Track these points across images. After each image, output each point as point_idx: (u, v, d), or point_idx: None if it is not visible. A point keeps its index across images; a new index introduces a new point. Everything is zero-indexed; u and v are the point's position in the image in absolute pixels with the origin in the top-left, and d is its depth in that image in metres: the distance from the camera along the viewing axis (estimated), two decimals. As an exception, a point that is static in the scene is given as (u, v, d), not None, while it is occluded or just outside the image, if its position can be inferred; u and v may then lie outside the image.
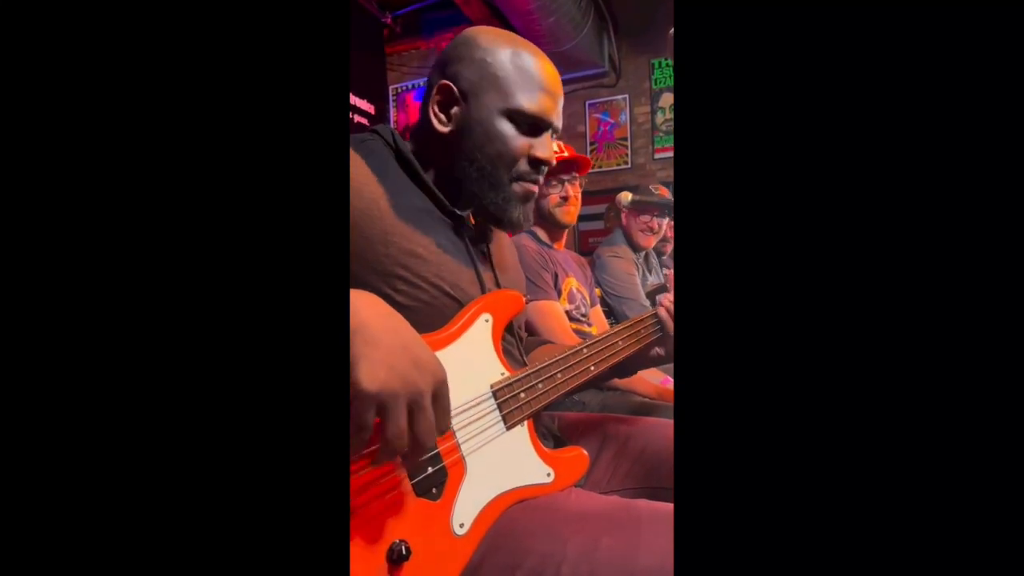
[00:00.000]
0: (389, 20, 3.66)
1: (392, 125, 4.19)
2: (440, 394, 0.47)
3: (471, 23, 3.26)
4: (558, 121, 0.68)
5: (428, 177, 0.67)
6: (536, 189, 0.68)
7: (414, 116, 4.05)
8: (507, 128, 0.64)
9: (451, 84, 0.65)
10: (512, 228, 0.70)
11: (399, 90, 4.10)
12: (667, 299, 0.77)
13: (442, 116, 0.66)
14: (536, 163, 0.66)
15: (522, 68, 0.64)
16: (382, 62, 3.61)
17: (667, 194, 1.89)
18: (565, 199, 1.38)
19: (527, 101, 0.64)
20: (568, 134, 3.74)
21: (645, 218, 1.79)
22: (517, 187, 0.66)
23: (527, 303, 1.18)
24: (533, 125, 0.65)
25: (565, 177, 1.39)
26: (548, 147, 0.67)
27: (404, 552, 0.48)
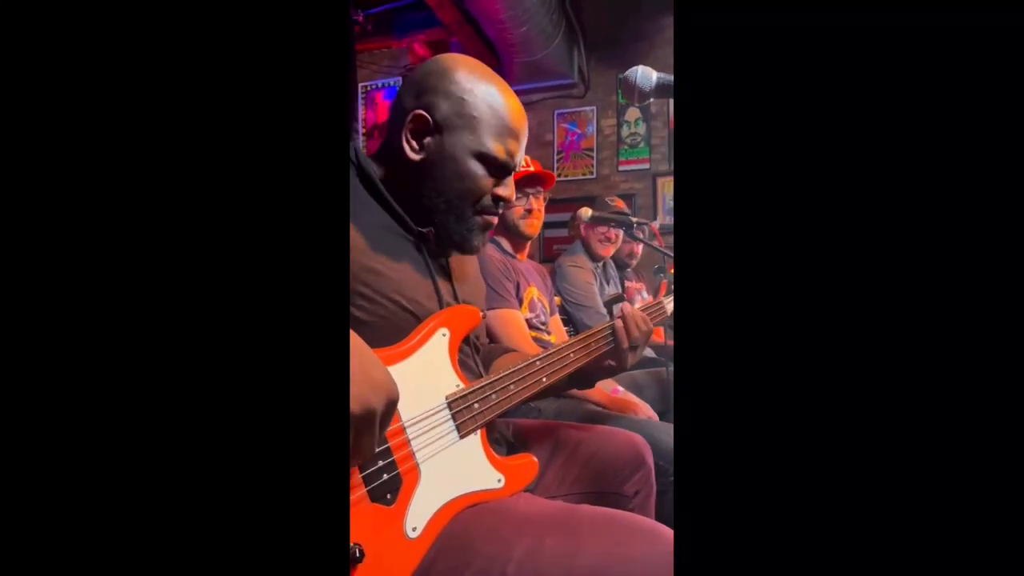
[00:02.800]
0: (360, 18, 3.62)
1: (360, 123, 4.11)
2: (388, 414, 0.50)
3: (443, 26, 3.26)
4: (521, 161, 0.73)
5: (390, 195, 0.69)
6: (496, 221, 0.73)
7: (383, 114, 4.01)
8: (476, 168, 0.68)
9: (426, 114, 0.67)
10: (470, 253, 0.74)
11: (368, 88, 4.06)
12: (625, 308, 0.81)
13: (414, 144, 0.68)
14: (498, 200, 0.71)
15: (496, 110, 0.68)
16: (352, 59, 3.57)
17: (622, 206, 2.00)
18: (529, 212, 1.42)
19: (498, 146, 0.68)
20: (537, 142, 3.79)
21: (602, 229, 1.87)
22: (479, 219, 0.71)
23: (489, 311, 1.22)
24: (500, 168, 0.70)
25: (530, 191, 1.43)
26: (511, 187, 0.72)
27: (358, 555, 0.50)
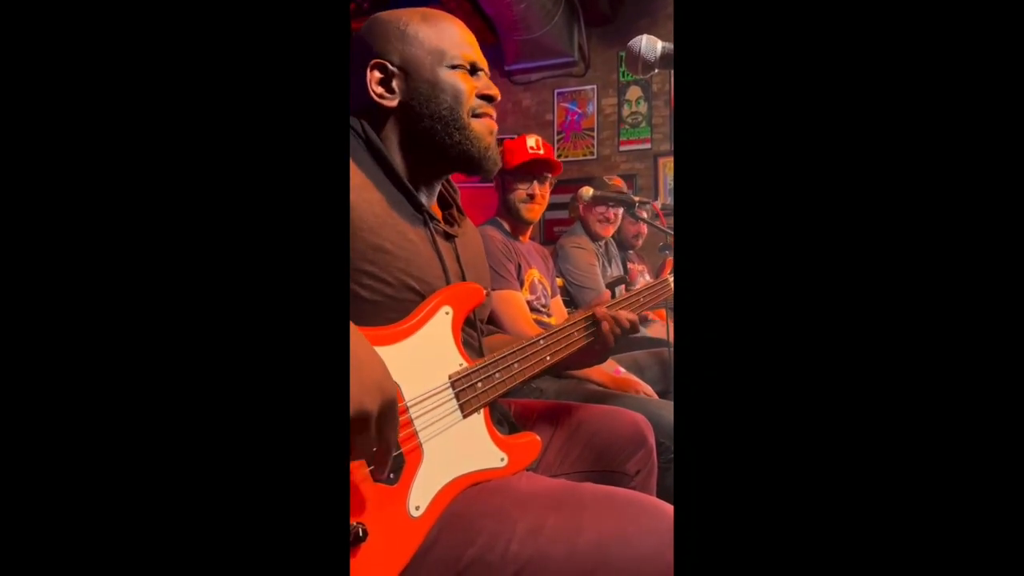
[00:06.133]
0: (356, -5, 3.55)
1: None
2: (386, 413, 0.49)
3: (440, 5, 3.20)
4: (486, 66, 0.75)
5: (396, 167, 0.68)
6: (495, 124, 0.73)
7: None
8: (451, 75, 0.70)
9: (383, 61, 0.69)
10: (484, 168, 0.73)
11: (365, 68, 3.99)
12: (599, 312, 0.76)
13: (383, 91, 0.69)
14: (485, 97, 0.72)
15: (440, 29, 0.71)
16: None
17: (621, 184, 1.99)
18: (531, 197, 1.40)
19: (459, 51, 0.70)
20: (537, 122, 3.75)
21: (601, 209, 1.86)
22: (477, 123, 0.71)
23: (490, 293, 1.21)
24: (471, 68, 0.71)
25: (537, 177, 1.41)
26: (490, 84, 0.73)
27: (361, 534, 0.50)
